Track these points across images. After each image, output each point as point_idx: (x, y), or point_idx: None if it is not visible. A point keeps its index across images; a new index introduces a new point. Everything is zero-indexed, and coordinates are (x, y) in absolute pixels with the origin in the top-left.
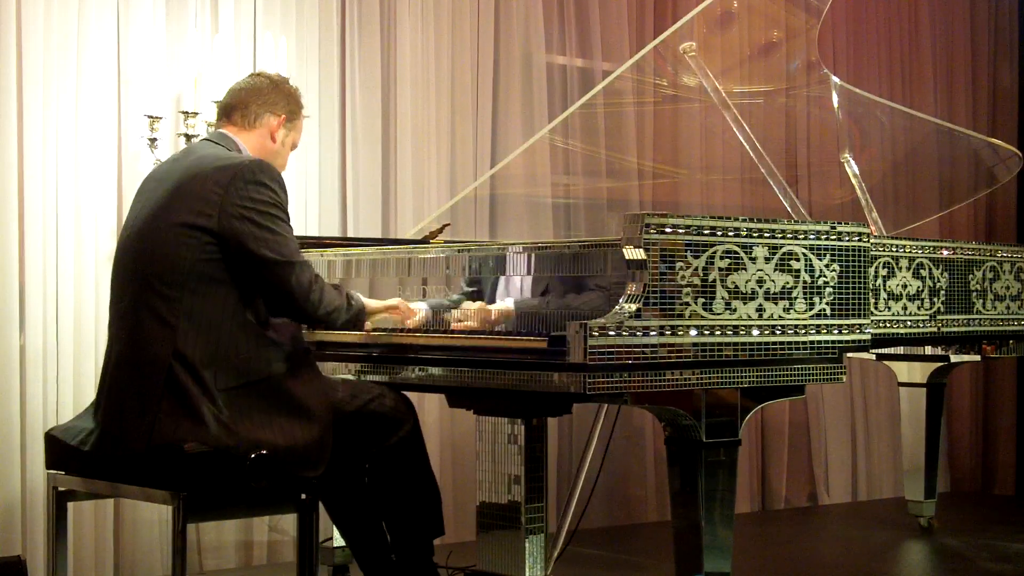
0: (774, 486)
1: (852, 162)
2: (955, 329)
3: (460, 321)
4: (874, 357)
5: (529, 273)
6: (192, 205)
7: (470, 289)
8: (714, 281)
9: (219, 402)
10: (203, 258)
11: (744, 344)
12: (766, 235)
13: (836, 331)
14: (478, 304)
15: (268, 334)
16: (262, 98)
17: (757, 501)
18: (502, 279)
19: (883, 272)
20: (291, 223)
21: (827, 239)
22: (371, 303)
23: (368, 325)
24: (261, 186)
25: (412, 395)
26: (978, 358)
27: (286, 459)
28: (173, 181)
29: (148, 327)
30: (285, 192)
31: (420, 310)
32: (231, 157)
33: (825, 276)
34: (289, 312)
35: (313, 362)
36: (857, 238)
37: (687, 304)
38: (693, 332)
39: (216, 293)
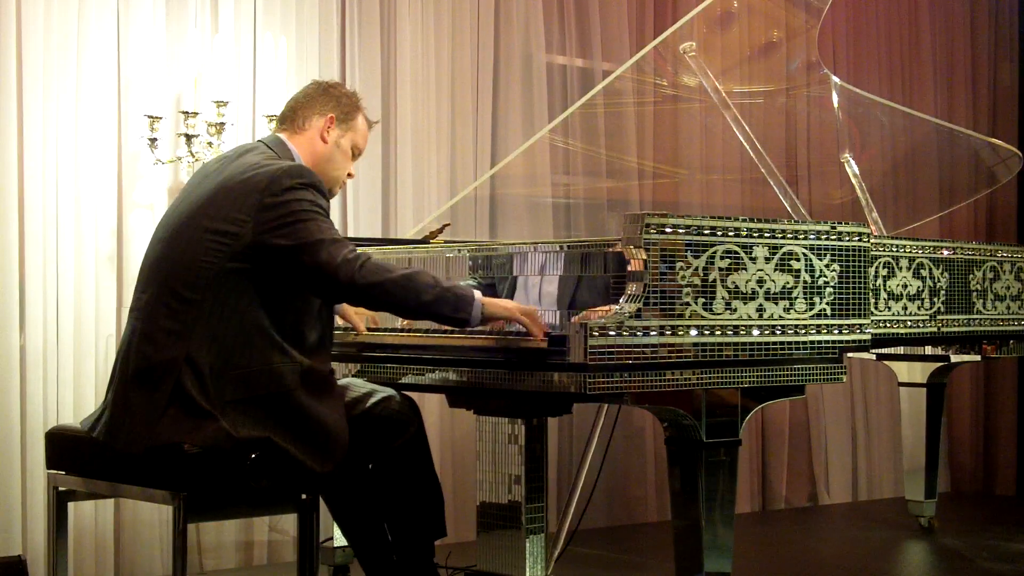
0: (774, 486)
1: (852, 162)
2: (955, 329)
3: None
4: (874, 357)
5: (529, 273)
6: (226, 212)
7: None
8: (714, 281)
9: (223, 413)
10: (228, 267)
11: (744, 344)
12: (766, 235)
13: (836, 331)
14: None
15: (286, 349)
16: (309, 101)
17: (757, 501)
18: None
19: (883, 272)
20: (326, 216)
21: (827, 239)
22: (500, 303)
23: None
24: (294, 190)
25: (412, 395)
26: (978, 358)
27: (281, 470)
28: (214, 184)
29: (163, 327)
30: (322, 194)
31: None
32: (269, 164)
33: (825, 276)
34: (328, 290)
35: (332, 384)
36: (857, 238)
37: (687, 304)
38: (693, 332)
39: (236, 303)
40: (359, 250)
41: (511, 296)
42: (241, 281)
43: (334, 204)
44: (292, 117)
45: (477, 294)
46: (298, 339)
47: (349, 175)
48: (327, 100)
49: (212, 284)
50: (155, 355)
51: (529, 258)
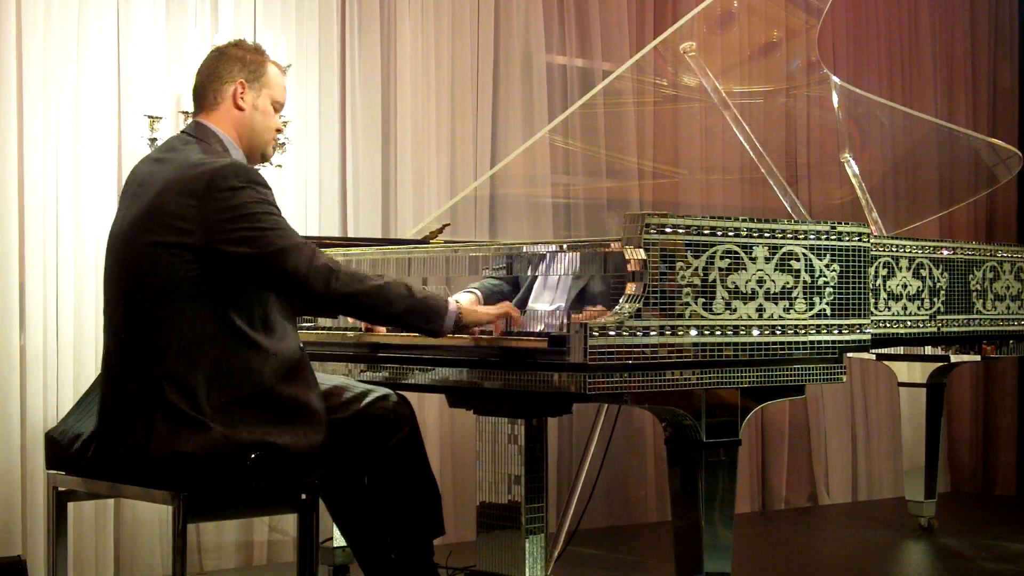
0: (774, 486)
1: (852, 162)
2: (955, 329)
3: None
4: (874, 357)
5: (529, 273)
6: (169, 222)
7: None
8: (714, 281)
9: (212, 418)
10: (187, 276)
11: (744, 344)
12: (766, 235)
13: (836, 331)
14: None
15: (261, 344)
16: (214, 74)
17: (757, 501)
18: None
19: (883, 272)
20: (279, 214)
21: (827, 239)
22: (477, 312)
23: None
24: (236, 191)
25: (412, 395)
26: (978, 358)
27: (281, 465)
28: (152, 192)
29: (136, 348)
30: (264, 186)
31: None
32: (201, 164)
33: (825, 276)
34: (301, 298)
35: (308, 370)
36: (857, 238)
37: (687, 304)
38: (693, 332)
39: (203, 309)
40: (327, 254)
41: (512, 296)
42: (201, 287)
43: (333, 204)
44: (203, 94)
45: (453, 305)
46: (268, 329)
47: (278, 130)
48: (231, 65)
49: (175, 296)
50: (134, 374)
51: (529, 258)
